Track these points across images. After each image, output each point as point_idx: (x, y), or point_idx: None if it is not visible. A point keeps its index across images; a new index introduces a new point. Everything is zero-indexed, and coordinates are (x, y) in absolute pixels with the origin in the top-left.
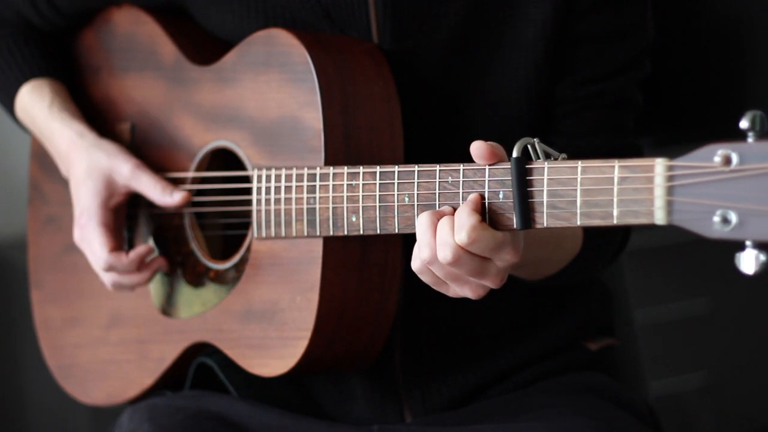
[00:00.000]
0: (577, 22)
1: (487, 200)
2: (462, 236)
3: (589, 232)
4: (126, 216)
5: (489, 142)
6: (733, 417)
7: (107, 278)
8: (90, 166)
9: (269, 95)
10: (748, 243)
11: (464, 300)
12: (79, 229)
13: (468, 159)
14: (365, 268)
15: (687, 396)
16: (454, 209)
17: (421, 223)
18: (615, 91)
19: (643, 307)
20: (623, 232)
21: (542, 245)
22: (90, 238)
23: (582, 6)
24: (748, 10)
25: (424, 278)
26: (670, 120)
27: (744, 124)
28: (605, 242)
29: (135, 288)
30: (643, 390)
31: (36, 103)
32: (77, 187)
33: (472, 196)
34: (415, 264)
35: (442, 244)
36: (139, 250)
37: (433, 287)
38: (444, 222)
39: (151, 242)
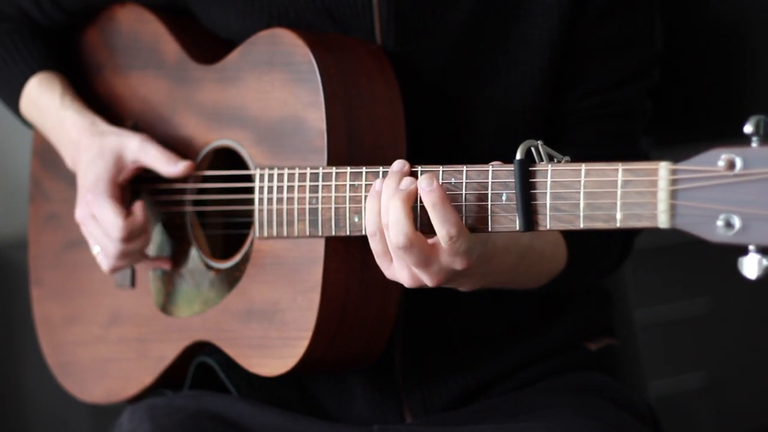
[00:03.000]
0: (585, 32)
1: (489, 202)
2: (400, 239)
3: (574, 248)
4: (130, 202)
5: None
6: (733, 417)
7: (114, 250)
8: (101, 148)
9: (272, 95)
10: (751, 247)
11: (465, 301)
12: (84, 205)
13: (474, 161)
14: (367, 269)
15: (687, 396)
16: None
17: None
18: (623, 100)
19: (643, 307)
20: (624, 243)
21: (511, 263)
22: (99, 212)
23: (589, 15)
24: (748, 10)
25: (374, 245)
26: (671, 120)
27: (748, 128)
28: (594, 259)
29: (138, 258)
30: (643, 390)
31: (46, 94)
32: (86, 169)
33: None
34: (371, 226)
35: (395, 229)
36: (138, 204)
37: (376, 258)
38: (400, 195)
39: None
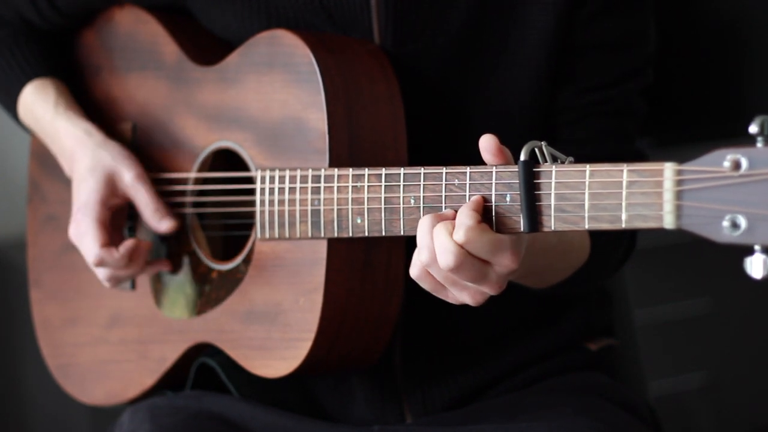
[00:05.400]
0: (581, 30)
1: (493, 203)
2: (459, 235)
3: (596, 241)
4: (127, 216)
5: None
6: (733, 417)
7: (101, 273)
8: (94, 163)
9: (273, 96)
10: (756, 248)
11: None
12: (75, 224)
13: (471, 161)
14: (369, 270)
15: (687, 396)
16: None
17: (422, 227)
18: (618, 99)
19: (643, 307)
20: (628, 241)
21: (547, 254)
22: (83, 233)
23: (585, 14)
24: (748, 10)
25: (424, 284)
26: (671, 120)
27: (753, 128)
28: (612, 250)
29: (129, 279)
30: (643, 390)
31: (40, 102)
32: (78, 184)
33: (475, 197)
34: (414, 270)
35: (441, 248)
36: (127, 244)
37: (432, 293)
38: (441, 226)
39: (149, 238)
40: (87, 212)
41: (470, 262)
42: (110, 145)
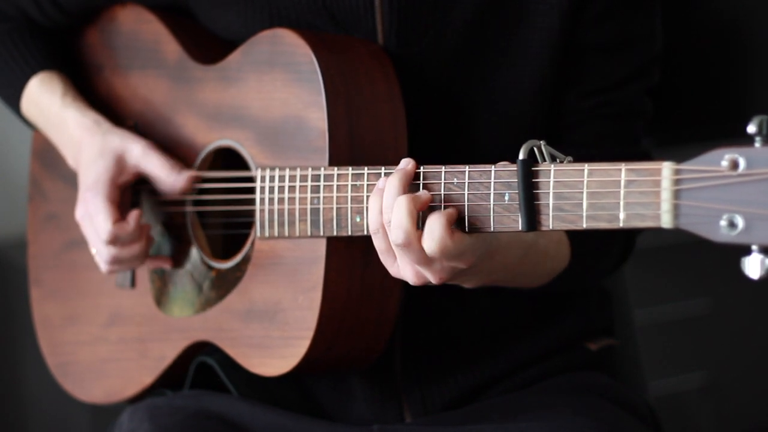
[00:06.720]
0: (585, 32)
1: (492, 202)
2: (431, 245)
3: (577, 247)
4: (131, 202)
5: None
6: (733, 417)
7: (105, 254)
8: (103, 147)
9: (273, 95)
10: (754, 247)
11: (465, 300)
12: (83, 204)
13: (473, 161)
14: (368, 269)
15: (687, 396)
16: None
17: (390, 189)
18: (623, 100)
19: (643, 307)
20: (625, 242)
21: (511, 268)
22: (93, 212)
23: (590, 15)
24: (748, 10)
25: (376, 241)
26: (671, 120)
27: (751, 128)
28: (599, 257)
29: (131, 264)
30: (643, 390)
31: (47, 94)
32: (87, 168)
33: (448, 210)
34: (372, 224)
35: (396, 224)
36: (134, 213)
37: (380, 255)
38: (406, 199)
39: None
40: (97, 191)
41: (419, 248)
42: (118, 130)
